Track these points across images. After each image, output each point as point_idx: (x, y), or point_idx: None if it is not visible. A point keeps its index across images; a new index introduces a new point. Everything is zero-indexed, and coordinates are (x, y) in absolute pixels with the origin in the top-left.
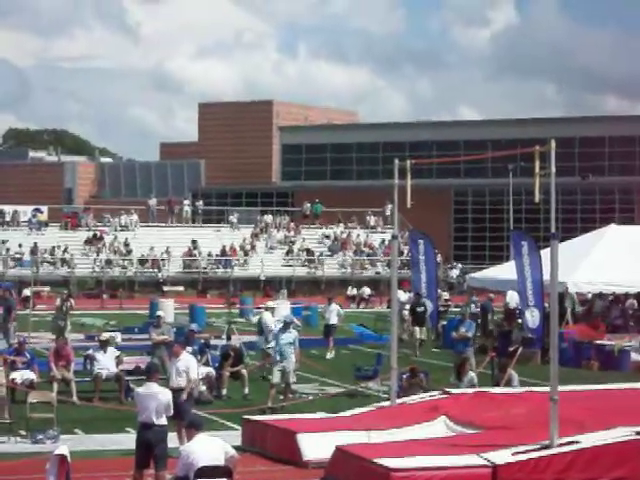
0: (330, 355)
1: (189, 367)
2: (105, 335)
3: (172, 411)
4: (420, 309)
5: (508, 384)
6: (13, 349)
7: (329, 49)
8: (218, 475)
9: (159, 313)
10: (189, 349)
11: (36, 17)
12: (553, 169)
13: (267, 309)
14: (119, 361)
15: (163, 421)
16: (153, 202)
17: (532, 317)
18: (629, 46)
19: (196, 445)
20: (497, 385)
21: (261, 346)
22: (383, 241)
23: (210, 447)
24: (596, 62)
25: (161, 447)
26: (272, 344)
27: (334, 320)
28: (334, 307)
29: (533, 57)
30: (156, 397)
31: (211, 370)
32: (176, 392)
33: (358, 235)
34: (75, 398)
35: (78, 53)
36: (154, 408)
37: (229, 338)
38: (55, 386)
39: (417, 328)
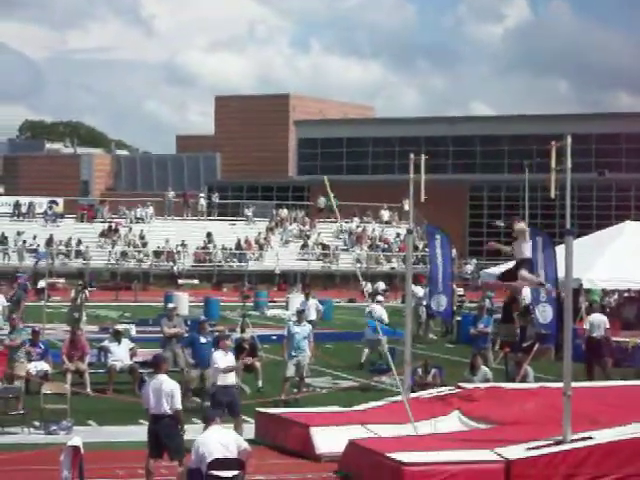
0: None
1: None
2: (119, 327)
3: (179, 402)
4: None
5: (523, 380)
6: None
7: (342, 44)
8: (231, 467)
9: (171, 305)
10: (202, 339)
11: (50, 10)
12: (569, 165)
13: (377, 302)
14: (133, 353)
15: (171, 411)
16: (171, 195)
17: (543, 313)
18: None
19: (208, 437)
20: (512, 381)
21: (368, 336)
22: (398, 235)
23: (223, 439)
24: (609, 59)
25: (172, 438)
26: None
27: (313, 316)
28: (312, 302)
29: (546, 53)
30: (161, 388)
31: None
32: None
33: (373, 230)
34: (89, 390)
35: (92, 46)
36: (161, 399)
37: (243, 331)
38: (69, 377)
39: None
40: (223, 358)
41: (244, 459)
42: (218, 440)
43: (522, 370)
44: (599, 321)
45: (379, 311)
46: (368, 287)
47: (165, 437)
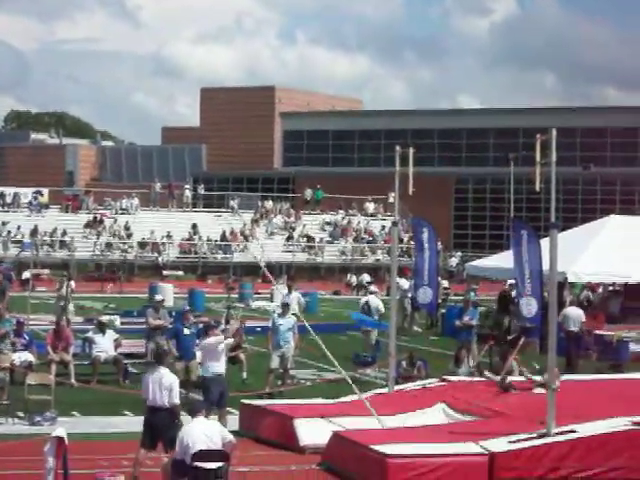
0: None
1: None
2: (104, 318)
3: (177, 396)
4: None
5: (508, 373)
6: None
7: (329, 36)
8: (215, 459)
9: (159, 297)
10: (186, 330)
11: (36, 1)
12: (554, 158)
13: (371, 293)
14: (118, 344)
15: (168, 405)
16: (157, 186)
17: (528, 306)
18: (628, 37)
19: (193, 428)
20: (497, 373)
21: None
22: (383, 228)
23: (207, 430)
24: (595, 53)
25: (168, 431)
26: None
27: (295, 309)
28: (295, 295)
29: (533, 47)
30: (161, 381)
31: None
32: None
33: (358, 222)
34: (73, 380)
35: (79, 37)
36: (159, 392)
37: (227, 322)
38: (54, 368)
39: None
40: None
41: (228, 451)
42: (203, 431)
43: (507, 363)
44: (575, 315)
45: (375, 302)
46: (353, 279)
47: (161, 429)
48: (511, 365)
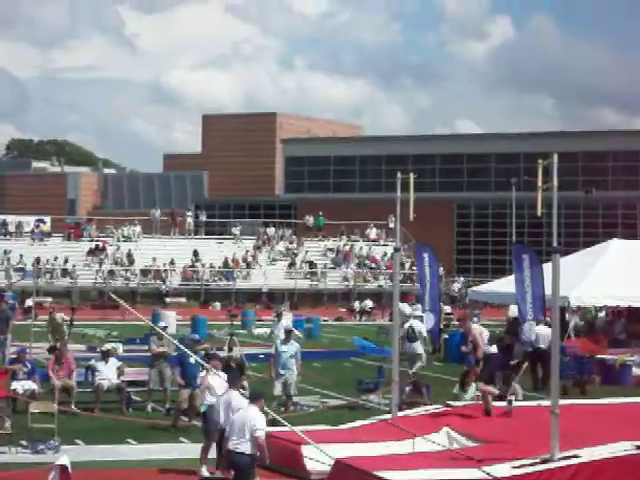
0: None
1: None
2: (107, 346)
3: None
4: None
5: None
6: (12, 359)
7: (327, 62)
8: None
9: (162, 324)
10: (192, 360)
11: (35, 28)
12: (555, 183)
13: (415, 317)
14: (120, 372)
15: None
16: (157, 213)
17: (530, 331)
18: (625, 60)
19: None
20: (500, 398)
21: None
22: (385, 254)
23: (243, 416)
24: (593, 76)
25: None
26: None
27: (282, 337)
28: (283, 323)
29: (530, 71)
30: (231, 404)
31: None
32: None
33: (361, 248)
34: (73, 406)
35: (77, 64)
36: (230, 415)
37: (230, 350)
38: (57, 394)
39: None
40: (214, 378)
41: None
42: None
43: (510, 388)
44: (544, 333)
45: (419, 326)
46: (356, 304)
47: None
48: (514, 389)
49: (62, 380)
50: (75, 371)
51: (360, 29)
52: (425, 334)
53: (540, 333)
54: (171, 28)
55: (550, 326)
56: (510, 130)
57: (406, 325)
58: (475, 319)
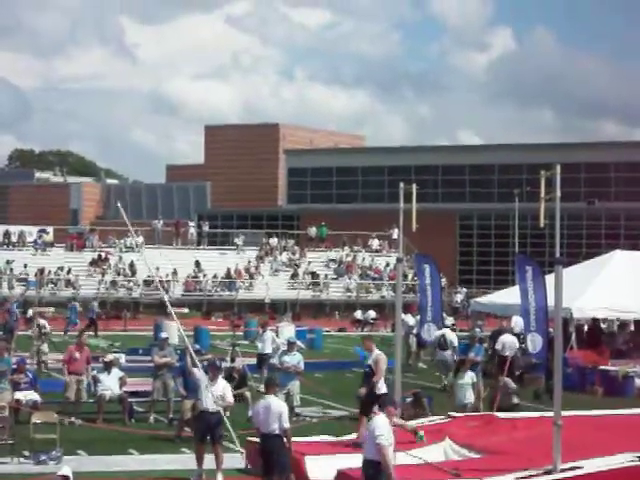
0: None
1: (225, 392)
2: (109, 356)
3: (287, 421)
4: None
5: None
6: (12, 370)
7: (328, 73)
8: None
9: (164, 335)
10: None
11: (36, 39)
12: (558, 194)
13: (447, 327)
14: (123, 382)
15: (279, 431)
16: (159, 224)
17: (533, 342)
18: (625, 72)
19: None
20: (500, 410)
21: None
22: (388, 264)
23: (270, 408)
24: (593, 88)
25: (279, 456)
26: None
27: (269, 349)
28: (269, 335)
29: (531, 83)
30: (270, 408)
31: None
32: (212, 415)
33: (363, 258)
34: (74, 419)
35: (78, 74)
36: (269, 419)
37: (233, 360)
38: (71, 390)
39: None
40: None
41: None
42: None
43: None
44: (510, 341)
45: (451, 335)
46: (358, 314)
47: (274, 454)
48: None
49: (74, 378)
50: (91, 365)
51: (360, 40)
52: (456, 344)
53: (505, 342)
54: (172, 38)
55: (504, 334)
56: (511, 141)
57: (438, 333)
58: (478, 330)
